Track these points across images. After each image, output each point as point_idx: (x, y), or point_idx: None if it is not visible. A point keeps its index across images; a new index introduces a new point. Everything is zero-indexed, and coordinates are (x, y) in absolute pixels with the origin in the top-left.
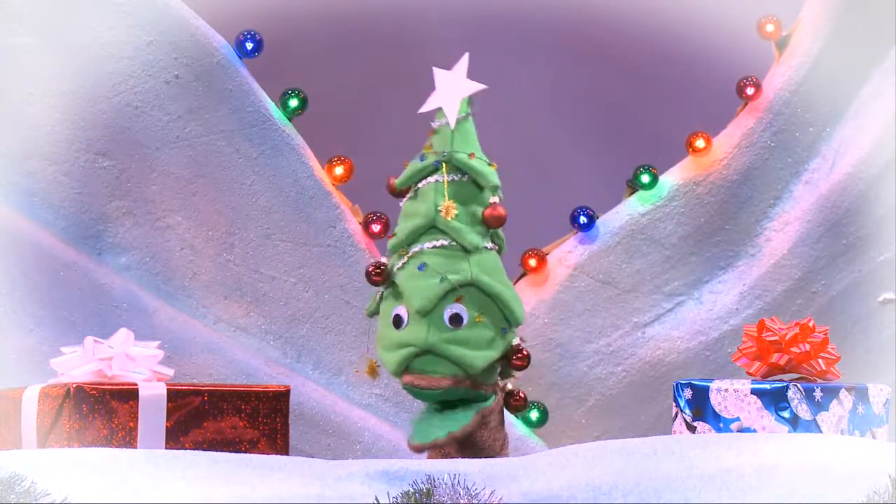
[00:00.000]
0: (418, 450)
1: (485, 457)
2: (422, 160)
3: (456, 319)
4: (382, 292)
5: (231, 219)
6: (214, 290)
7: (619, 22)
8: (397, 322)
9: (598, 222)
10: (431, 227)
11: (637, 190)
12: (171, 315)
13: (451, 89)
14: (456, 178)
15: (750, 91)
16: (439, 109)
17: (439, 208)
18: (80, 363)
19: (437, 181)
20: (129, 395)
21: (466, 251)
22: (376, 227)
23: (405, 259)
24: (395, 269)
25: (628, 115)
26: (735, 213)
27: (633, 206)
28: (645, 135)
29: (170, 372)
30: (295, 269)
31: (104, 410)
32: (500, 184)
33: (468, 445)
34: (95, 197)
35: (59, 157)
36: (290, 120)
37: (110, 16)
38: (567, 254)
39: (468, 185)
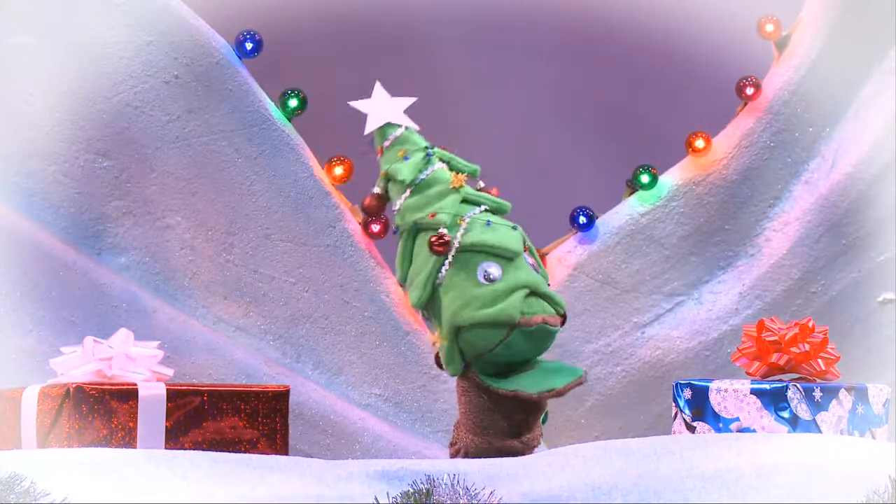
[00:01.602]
0: (559, 394)
1: (536, 443)
2: (407, 159)
3: (533, 267)
4: (443, 262)
5: (231, 219)
6: (214, 290)
7: (619, 22)
8: (489, 277)
9: (598, 222)
10: (463, 201)
11: (637, 190)
12: (171, 315)
13: (386, 109)
14: (442, 166)
15: (750, 91)
16: (378, 130)
17: (450, 181)
18: (80, 363)
19: (440, 168)
20: (128, 395)
21: (503, 213)
22: (376, 227)
23: (463, 226)
24: (456, 238)
25: (628, 115)
26: (735, 213)
27: (632, 207)
28: (645, 135)
29: (169, 372)
30: (294, 269)
31: (104, 410)
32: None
33: (540, 415)
34: (95, 197)
35: (59, 157)
36: (289, 120)
37: (110, 16)
38: (566, 254)
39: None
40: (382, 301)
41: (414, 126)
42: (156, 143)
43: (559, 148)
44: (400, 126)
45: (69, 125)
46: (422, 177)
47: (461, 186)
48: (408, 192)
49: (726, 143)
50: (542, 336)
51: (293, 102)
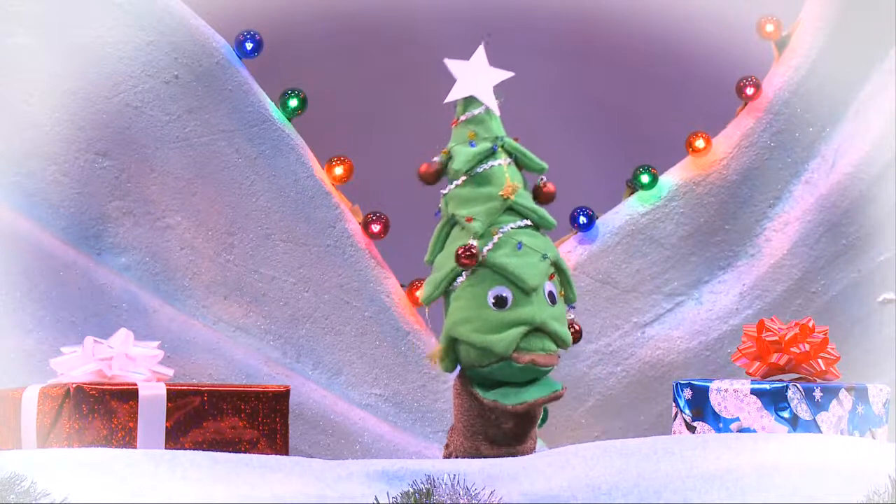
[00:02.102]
0: (524, 409)
1: (529, 447)
2: (472, 146)
3: (552, 297)
4: (462, 273)
5: (231, 219)
6: (214, 290)
7: (619, 22)
8: (501, 302)
9: (598, 222)
10: (507, 209)
11: (637, 190)
12: (171, 315)
13: (478, 78)
14: (508, 161)
15: (750, 91)
16: (463, 100)
17: (520, 190)
18: (80, 363)
19: (500, 164)
20: (128, 395)
21: (547, 229)
22: (376, 227)
23: (494, 240)
24: (484, 250)
25: (628, 115)
26: (735, 213)
27: (632, 207)
28: (645, 135)
29: (169, 372)
30: (295, 269)
31: (104, 410)
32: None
33: (531, 425)
34: (95, 197)
35: (59, 157)
36: (289, 120)
37: (110, 16)
38: (567, 254)
39: (516, 169)
40: (382, 301)
41: (495, 109)
42: (156, 143)
43: (559, 148)
44: (482, 105)
45: (69, 125)
46: (479, 170)
47: (509, 198)
48: (461, 180)
49: (726, 143)
50: (529, 372)
51: (293, 102)
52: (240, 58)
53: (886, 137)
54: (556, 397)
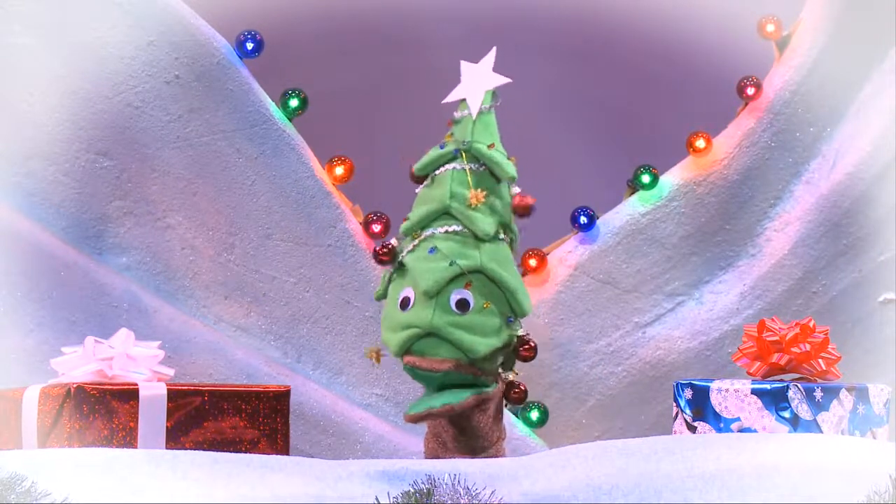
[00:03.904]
0: (414, 420)
1: (479, 445)
2: (441, 148)
3: (462, 304)
4: (392, 274)
5: (231, 219)
6: (215, 290)
7: (620, 22)
8: (404, 304)
9: (599, 222)
10: (445, 213)
11: (637, 190)
12: (172, 315)
13: (476, 81)
14: (474, 167)
15: (750, 91)
16: (463, 101)
17: (467, 196)
18: (81, 363)
19: (454, 169)
20: (129, 395)
21: (478, 239)
22: (376, 227)
23: (416, 242)
24: (405, 251)
25: (628, 115)
26: (735, 213)
27: (633, 207)
28: (645, 135)
29: (170, 372)
30: (295, 269)
31: (104, 410)
32: (517, 176)
33: (465, 428)
34: (96, 197)
35: (59, 157)
36: (290, 120)
37: (110, 16)
38: (567, 254)
39: (486, 176)
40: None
41: (474, 114)
42: (156, 143)
43: (559, 148)
44: (467, 109)
45: (70, 125)
46: (436, 172)
47: (477, 205)
48: (428, 180)
49: (727, 143)
50: (419, 376)
51: (294, 102)
52: (240, 58)
53: (887, 137)
54: (447, 411)
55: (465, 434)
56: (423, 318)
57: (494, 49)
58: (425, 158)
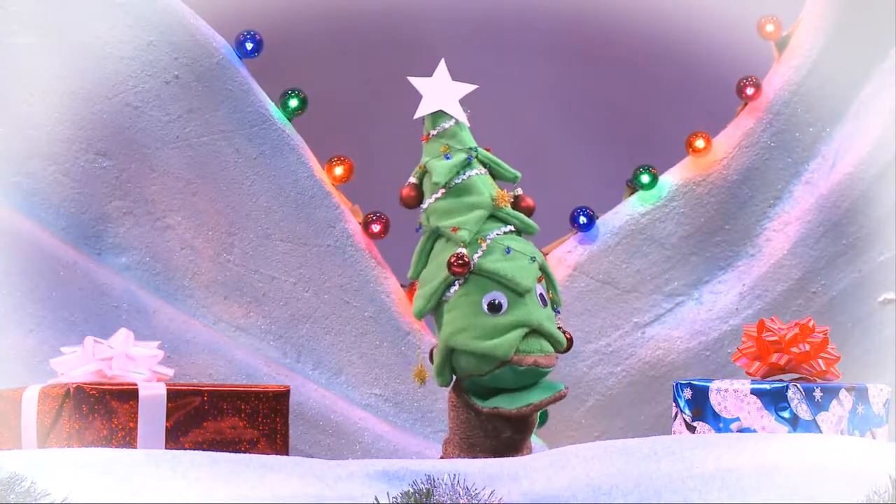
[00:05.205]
0: (535, 409)
1: (529, 445)
2: (448, 158)
3: (543, 299)
4: (454, 282)
5: (231, 219)
6: (214, 291)
7: (619, 22)
8: (496, 307)
9: (598, 222)
10: (490, 217)
11: (637, 190)
12: (171, 315)
13: (443, 93)
14: (484, 171)
15: (750, 91)
16: (430, 115)
17: (494, 197)
18: (80, 363)
19: (478, 174)
20: (129, 395)
21: (530, 234)
22: (376, 227)
23: (483, 247)
24: (474, 257)
25: (628, 115)
26: (735, 213)
27: (632, 207)
28: (645, 135)
29: (170, 372)
30: (295, 269)
31: (104, 410)
32: (520, 175)
33: (530, 425)
34: (95, 197)
35: (59, 157)
36: (290, 120)
37: (110, 16)
38: (567, 254)
39: (491, 178)
40: (383, 301)
41: (465, 121)
42: (156, 143)
43: (560, 148)
44: (451, 118)
45: (69, 125)
46: (457, 181)
47: (503, 206)
48: (440, 192)
49: (727, 143)
50: (531, 375)
51: (293, 102)
52: (240, 58)
53: (887, 137)
54: (560, 397)
55: (522, 431)
56: (528, 316)
57: (443, 61)
58: (442, 171)
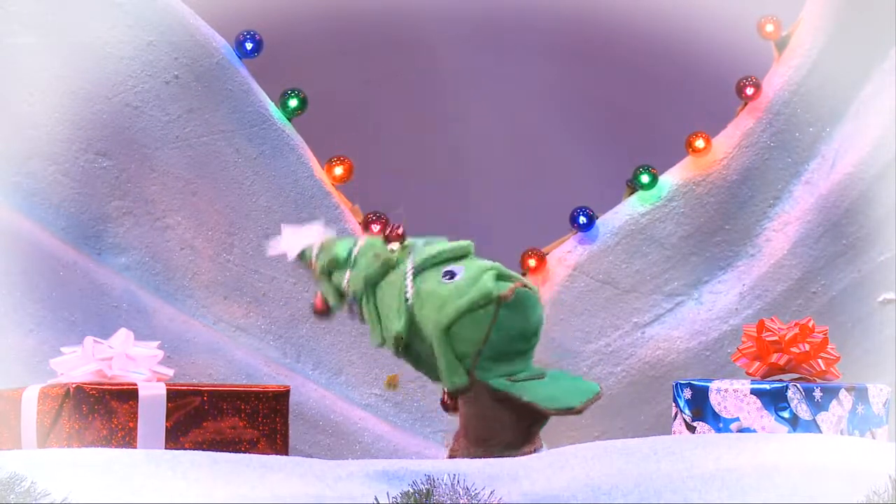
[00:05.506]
0: (577, 412)
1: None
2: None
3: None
4: (408, 290)
5: (231, 219)
6: (214, 291)
7: (620, 22)
8: (452, 275)
9: (598, 222)
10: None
11: (637, 190)
12: (171, 315)
13: (297, 239)
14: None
15: (750, 91)
16: (300, 253)
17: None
18: (80, 363)
19: (366, 238)
20: (128, 395)
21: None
22: (376, 227)
23: (411, 249)
24: (409, 262)
25: (628, 115)
26: (735, 213)
27: (632, 207)
28: (645, 135)
29: (170, 372)
30: (294, 269)
31: (104, 410)
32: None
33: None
34: (95, 197)
35: (59, 157)
36: (289, 120)
37: (110, 16)
38: (567, 254)
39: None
40: None
41: (320, 238)
42: (156, 143)
43: (559, 148)
44: (312, 246)
45: (69, 125)
46: (355, 250)
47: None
48: (347, 273)
49: (726, 143)
50: (526, 303)
51: (293, 102)
52: (240, 58)
53: (886, 137)
54: (597, 399)
55: (539, 424)
56: (484, 263)
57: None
58: (340, 251)
